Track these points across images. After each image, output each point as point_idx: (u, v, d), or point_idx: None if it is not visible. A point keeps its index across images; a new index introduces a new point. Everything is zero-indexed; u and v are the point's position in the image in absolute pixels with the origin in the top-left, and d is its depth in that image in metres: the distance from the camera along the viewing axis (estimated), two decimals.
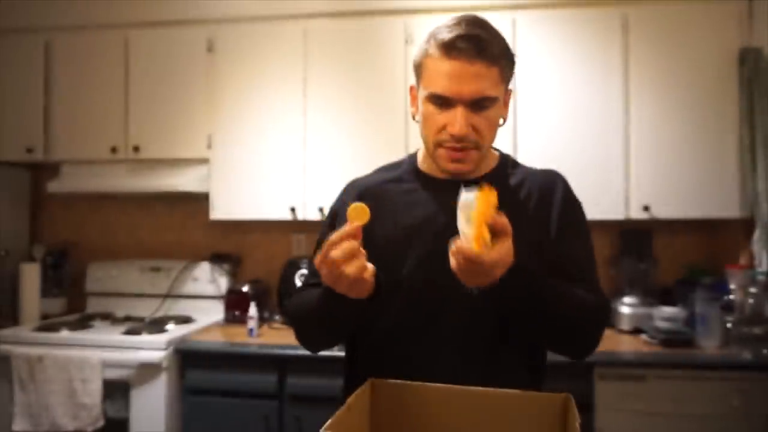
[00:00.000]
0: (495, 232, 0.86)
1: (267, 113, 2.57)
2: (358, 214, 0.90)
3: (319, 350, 1.17)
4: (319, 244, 1.20)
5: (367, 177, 1.23)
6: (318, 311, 1.04)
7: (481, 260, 0.84)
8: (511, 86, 1.14)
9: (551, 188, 1.13)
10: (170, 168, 2.61)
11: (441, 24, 1.04)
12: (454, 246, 0.87)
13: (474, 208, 0.85)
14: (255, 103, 2.58)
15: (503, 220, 0.87)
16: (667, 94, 2.36)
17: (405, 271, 1.09)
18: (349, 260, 0.88)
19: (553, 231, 1.10)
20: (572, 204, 1.15)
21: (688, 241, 2.66)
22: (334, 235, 0.89)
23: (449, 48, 0.99)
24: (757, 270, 2.19)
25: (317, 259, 0.90)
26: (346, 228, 0.89)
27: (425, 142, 1.09)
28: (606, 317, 1.11)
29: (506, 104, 1.11)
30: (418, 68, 1.07)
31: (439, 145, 1.05)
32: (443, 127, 1.03)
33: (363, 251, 0.90)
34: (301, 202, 2.54)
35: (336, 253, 0.87)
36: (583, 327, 1.05)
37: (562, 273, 1.06)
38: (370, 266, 0.91)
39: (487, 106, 1.02)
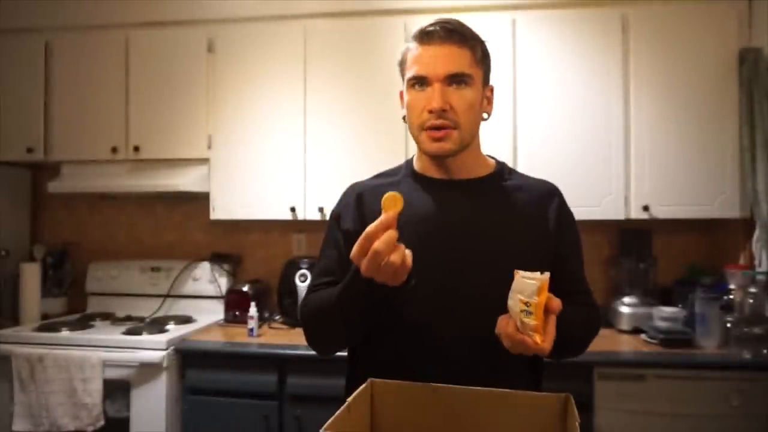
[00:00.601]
0: (546, 311, 0.91)
1: (267, 113, 2.57)
2: (394, 202, 0.92)
3: (331, 353, 1.17)
4: (324, 249, 1.22)
5: (366, 180, 1.26)
6: (341, 305, 1.03)
7: (543, 350, 0.91)
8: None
9: (548, 198, 1.18)
10: (170, 168, 2.61)
11: None
12: (510, 330, 0.93)
13: (535, 299, 0.89)
14: (255, 103, 2.58)
15: (556, 302, 0.92)
16: (667, 94, 2.36)
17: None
18: (392, 250, 0.90)
19: (551, 242, 1.14)
20: (568, 218, 1.19)
21: (688, 241, 2.66)
22: (371, 227, 0.90)
23: (422, 36, 1.09)
24: (757, 270, 2.20)
25: (354, 253, 0.92)
26: (382, 218, 0.90)
27: (412, 133, 1.14)
28: (600, 325, 1.21)
29: (489, 100, 1.16)
30: (401, 65, 1.14)
31: (421, 128, 1.10)
32: (423, 108, 1.08)
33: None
34: (301, 202, 2.54)
35: (380, 246, 0.89)
36: (581, 342, 1.17)
37: (560, 284, 1.10)
38: (408, 251, 0.92)
39: (462, 82, 1.08)
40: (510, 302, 0.93)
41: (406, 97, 1.13)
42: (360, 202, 1.18)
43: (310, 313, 1.15)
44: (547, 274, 0.90)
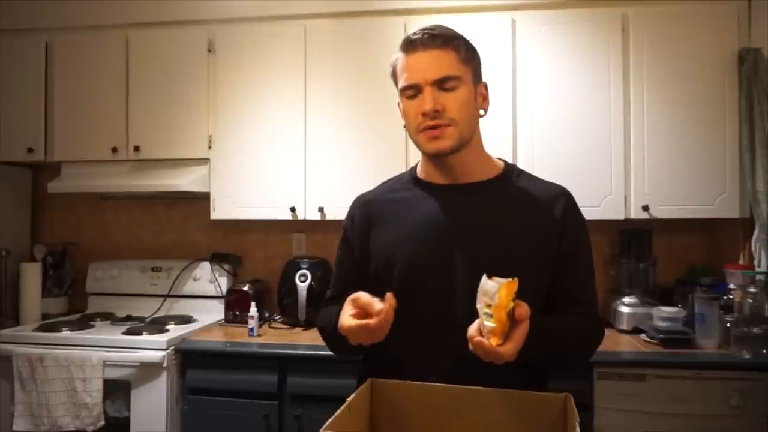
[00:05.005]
0: (513, 320, 0.90)
1: (267, 113, 2.57)
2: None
3: (347, 359, 1.25)
4: (336, 261, 1.29)
5: (370, 191, 1.29)
6: (336, 338, 1.09)
7: (497, 353, 0.89)
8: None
9: (555, 201, 1.16)
10: (170, 168, 2.61)
11: None
12: (471, 332, 0.92)
13: (496, 300, 0.87)
14: (255, 103, 2.58)
15: (523, 309, 0.90)
16: (667, 93, 2.36)
17: (408, 268, 1.11)
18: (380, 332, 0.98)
19: (555, 246, 1.13)
20: (576, 223, 1.17)
21: (688, 241, 2.66)
22: (373, 308, 0.97)
23: (407, 45, 1.12)
24: (757, 270, 2.20)
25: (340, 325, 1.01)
26: (386, 307, 0.97)
27: (412, 138, 1.16)
28: (600, 338, 1.18)
29: (484, 97, 1.17)
30: (393, 77, 1.17)
31: (419, 131, 1.12)
32: (417, 113, 1.10)
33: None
34: (301, 202, 2.54)
35: (374, 326, 0.96)
36: (580, 355, 1.17)
37: (562, 291, 1.12)
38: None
39: (452, 86, 1.09)
40: (477, 305, 0.91)
41: (402, 106, 1.15)
42: (365, 211, 1.23)
43: (320, 328, 1.27)
44: (515, 279, 0.88)
